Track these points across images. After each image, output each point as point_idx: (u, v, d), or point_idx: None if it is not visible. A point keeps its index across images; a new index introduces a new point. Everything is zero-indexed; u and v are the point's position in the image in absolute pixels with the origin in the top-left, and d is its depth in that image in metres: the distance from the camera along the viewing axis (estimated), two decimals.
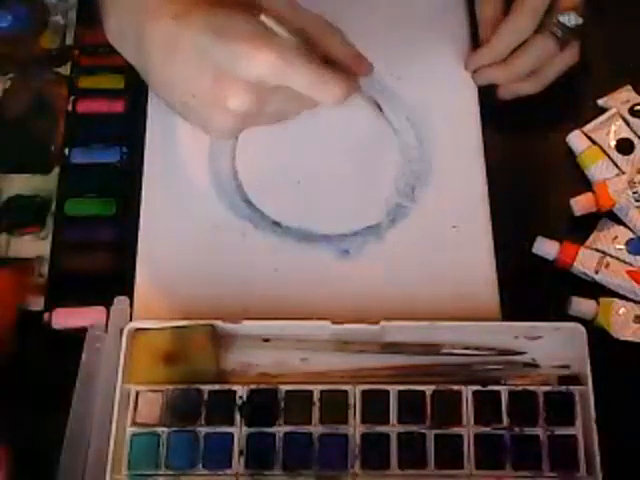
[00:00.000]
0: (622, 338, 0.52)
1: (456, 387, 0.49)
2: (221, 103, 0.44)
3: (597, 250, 0.54)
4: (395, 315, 0.51)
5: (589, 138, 0.58)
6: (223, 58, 0.43)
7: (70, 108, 0.59)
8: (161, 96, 0.48)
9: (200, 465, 0.48)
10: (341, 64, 0.47)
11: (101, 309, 0.52)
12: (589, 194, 0.55)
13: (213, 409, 0.49)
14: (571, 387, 0.49)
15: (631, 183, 0.55)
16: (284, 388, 0.49)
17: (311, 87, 0.44)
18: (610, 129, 0.57)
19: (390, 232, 0.56)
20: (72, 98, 0.59)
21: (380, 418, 0.49)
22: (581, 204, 0.55)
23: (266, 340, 0.51)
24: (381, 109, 0.58)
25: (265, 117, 0.48)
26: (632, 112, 0.58)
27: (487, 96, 0.60)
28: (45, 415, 0.50)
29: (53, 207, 0.56)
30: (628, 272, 0.53)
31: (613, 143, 0.57)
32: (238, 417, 0.49)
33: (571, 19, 0.54)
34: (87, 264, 0.55)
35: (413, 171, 0.58)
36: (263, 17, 0.44)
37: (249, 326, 0.51)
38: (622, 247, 0.55)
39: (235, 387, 0.49)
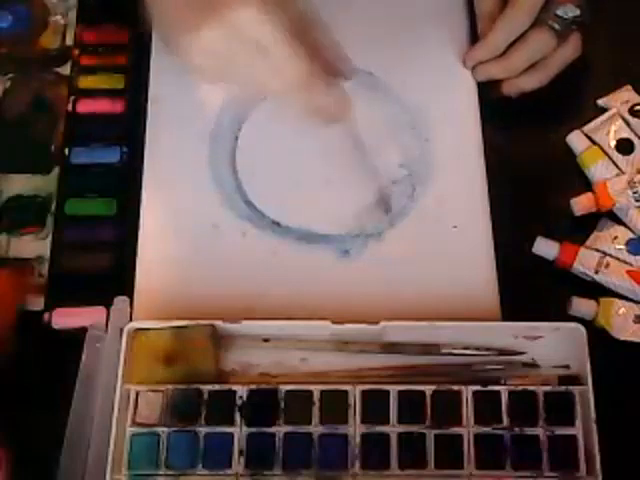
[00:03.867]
0: (622, 338, 0.52)
1: (456, 387, 0.49)
2: (195, 30, 0.45)
3: (597, 250, 0.54)
4: (395, 315, 0.51)
5: (589, 138, 0.58)
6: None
7: (70, 108, 0.59)
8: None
9: (200, 465, 0.48)
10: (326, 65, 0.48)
11: (101, 309, 0.52)
12: (589, 194, 0.55)
13: (213, 409, 0.49)
14: (571, 387, 0.49)
15: (631, 183, 0.55)
16: (284, 388, 0.49)
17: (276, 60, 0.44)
18: (610, 129, 0.57)
19: (390, 232, 0.56)
20: (72, 98, 0.59)
21: (380, 418, 0.49)
22: (581, 204, 0.55)
23: (266, 340, 0.51)
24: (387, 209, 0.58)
25: (232, 75, 0.48)
26: (632, 112, 0.58)
27: (487, 96, 0.60)
28: (45, 415, 0.50)
29: (53, 207, 0.56)
30: (628, 272, 0.53)
31: (613, 143, 0.57)
32: (238, 417, 0.49)
33: (568, 11, 0.54)
34: (87, 264, 0.55)
35: (413, 171, 0.58)
36: None
37: (249, 326, 0.51)
38: (622, 247, 0.54)
39: (235, 387, 0.49)
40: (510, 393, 0.49)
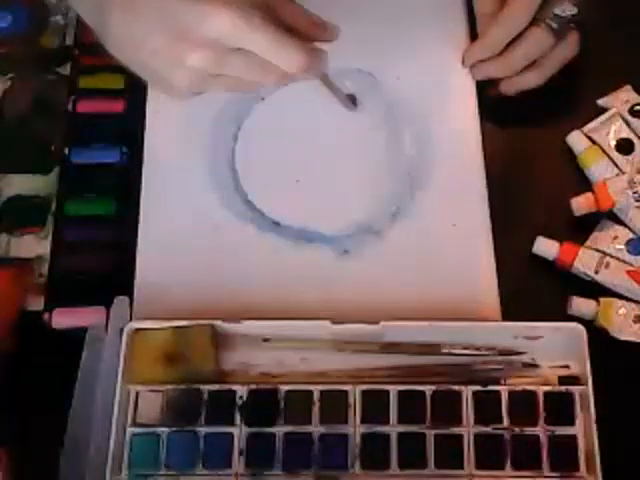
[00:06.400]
0: (622, 338, 0.52)
1: (456, 387, 0.49)
2: (180, 60, 0.44)
3: (597, 250, 0.54)
4: (395, 315, 0.51)
5: (589, 138, 0.58)
6: (184, 16, 0.43)
7: (70, 108, 0.59)
8: (119, 55, 0.47)
9: (200, 465, 0.48)
10: (304, 35, 0.47)
11: (101, 309, 0.52)
12: (589, 194, 0.55)
13: (213, 409, 0.49)
14: (571, 387, 0.49)
15: (631, 183, 0.55)
16: (284, 388, 0.49)
17: (270, 50, 0.44)
18: (610, 129, 0.57)
19: (390, 232, 0.56)
20: (72, 98, 0.59)
21: (380, 418, 0.49)
22: (581, 204, 0.55)
23: (266, 340, 0.51)
24: (355, 103, 0.59)
25: (224, 81, 0.47)
26: (632, 112, 0.58)
27: (486, 94, 0.60)
28: (45, 415, 0.50)
29: (53, 207, 0.56)
30: (628, 272, 0.53)
31: (613, 143, 0.57)
32: (238, 417, 0.49)
33: (565, 9, 0.54)
34: (87, 264, 0.55)
35: (413, 170, 0.58)
36: None
37: (249, 326, 0.51)
38: (622, 247, 0.54)
39: (235, 387, 0.49)
40: (510, 393, 0.49)
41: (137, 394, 0.49)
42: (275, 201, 0.57)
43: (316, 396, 0.49)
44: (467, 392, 0.49)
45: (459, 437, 0.48)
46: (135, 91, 0.59)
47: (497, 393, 0.49)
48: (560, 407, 0.49)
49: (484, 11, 0.58)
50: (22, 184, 0.57)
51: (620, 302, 0.53)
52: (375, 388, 0.49)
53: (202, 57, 0.44)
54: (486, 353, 0.51)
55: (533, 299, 0.54)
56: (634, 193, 0.54)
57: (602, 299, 0.53)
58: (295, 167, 0.58)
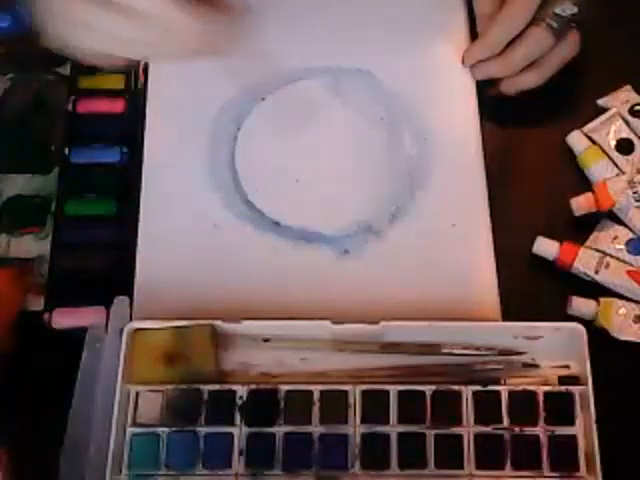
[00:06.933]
0: (622, 338, 0.52)
1: (456, 387, 0.49)
2: (118, 32, 0.47)
3: (597, 250, 0.54)
4: (395, 315, 0.51)
5: (589, 138, 0.58)
6: None
7: (70, 108, 0.59)
8: (69, 43, 0.49)
9: (200, 465, 0.48)
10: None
11: (101, 309, 0.52)
12: (589, 194, 0.55)
13: (213, 409, 0.49)
14: (571, 387, 0.49)
15: (631, 183, 0.55)
16: (284, 388, 0.49)
17: (189, 28, 0.47)
18: (610, 129, 0.57)
19: (390, 231, 0.56)
20: (72, 98, 0.59)
21: (380, 418, 0.49)
22: (581, 204, 0.55)
23: (266, 340, 0.51)
24: None
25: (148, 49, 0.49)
26: (632, 112, 0.58)
27: (486, 94, 0.60)
28: (45, 415, 0.50)
29: (53, 207, 0.56)
30: (628, 272, 0.53)
31: (613, 143, 0.57)
32: (238, 417, 0.49)
33: (566, 9, 0.54)
34: (87, 264, 0.55)
35: (413, 170, 0.58)
36: None
37: (249, 326, 0.51)
38: (622, 247, 0.55)
39: (235, 387, 0.49)
40: (510, 393, 0.49)
41: (137, 394, 0.49)
42: (275, 201, 0.57)
43: (316, 396, 0.49)
44: (467, 392, 0.49)
45: (459, 437, 0.48)
46: (135, 91, 0.59)
47: (497, 393, 0.49)
48: (560, 407, 0.49)
49: (484, 11, 0.58)
50: (22, 184, 0.57)
51: (620, 302, 0.53)
52: (375, 388, 0.49)
53: (132, 26, 0.46)
54: (486, 353, 0.51)
55: (533, 299, 0.54)
56: (634, 193, 0.54)
57: (602, 299, 0.53)
58: (295, 167, 0.58)
